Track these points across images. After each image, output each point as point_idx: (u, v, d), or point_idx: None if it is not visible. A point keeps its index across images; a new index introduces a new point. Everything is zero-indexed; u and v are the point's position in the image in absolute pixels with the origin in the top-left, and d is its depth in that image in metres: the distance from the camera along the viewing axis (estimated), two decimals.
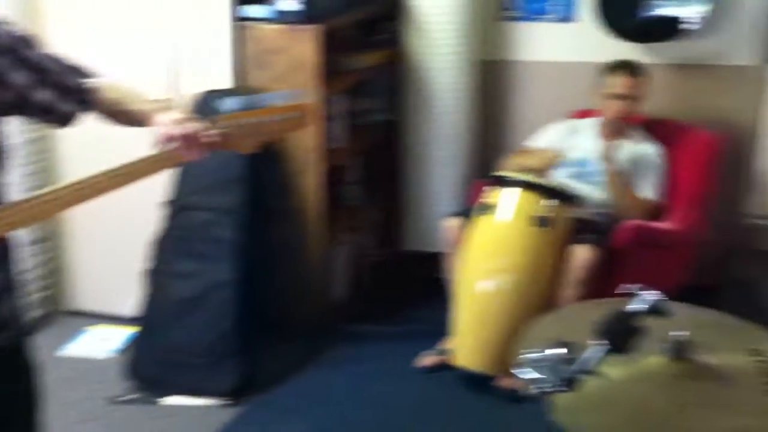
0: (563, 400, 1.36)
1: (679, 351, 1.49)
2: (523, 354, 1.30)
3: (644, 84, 3.26)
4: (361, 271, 3.79)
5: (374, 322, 3.53)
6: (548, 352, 1.26)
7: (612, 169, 3.19)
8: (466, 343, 2.99)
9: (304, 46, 3.10)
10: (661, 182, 3.28)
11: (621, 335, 1.29)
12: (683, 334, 1.49)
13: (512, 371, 1.29)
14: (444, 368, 3.11)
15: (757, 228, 4.17)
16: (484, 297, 2.93)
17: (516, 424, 2.79)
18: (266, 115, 1.72)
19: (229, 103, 1.72)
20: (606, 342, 1.28)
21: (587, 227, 3.05)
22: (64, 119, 1.71)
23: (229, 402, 3.00)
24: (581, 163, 3.30)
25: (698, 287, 3.26)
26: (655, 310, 1.29)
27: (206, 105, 3.00)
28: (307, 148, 3.22)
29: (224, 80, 3.21)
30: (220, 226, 3.06)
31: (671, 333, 1.51)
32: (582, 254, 2.92)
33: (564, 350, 1.27)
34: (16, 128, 3.22)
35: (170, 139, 1.63)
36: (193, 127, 1.64)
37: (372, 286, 3.83)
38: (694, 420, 1.36)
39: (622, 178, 3.21)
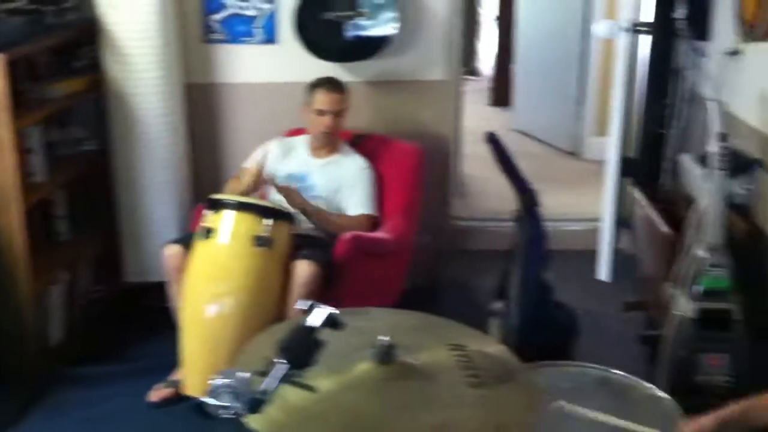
0: (273, 417, 1.38)
1: (385, 355, 1.56)
2: (211, 380, 1.30)
3: (346, 99, 3.41)
4: (81, 308, 3.58)
5: (100, 362, 3.35)
6: (234, 376, 1.28)
7: (303, 207, 3.26)
8: (195, 370, 2.92)
9: None
10: (372, 194, 3.44)
11: (300, 351, 1.33)
12: (386, 338, 1.57)
13: (203, 399, 1.29)
14: (176, 400, 3.02)
15: (464, 230, 4.52)
16: (209, 322, 2.88)
17: None
18: None
19: None
20: (285, 360, 1.32)
21: (307, 243, 3.12)
22: None
23: None
24: (296, 179, 3.37)
25: (415, 289, 3.48)
26: (330, 323, 1.35)
27: None
28: (4, 184, 2.99)
29: None
30: None
31: (376, 338, 1.58)
32: (303, 270, 2.97)
33: (247, 374, 1.29)
34: None
35: None
36: None
37: (95, 323, 3.62)
38: (402, 420, 1.43)
39: (318, 211, 3.30)
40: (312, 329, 1.35)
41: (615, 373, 2.10)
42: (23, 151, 3.10)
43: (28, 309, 3.14)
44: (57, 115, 3.45)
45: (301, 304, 1.37)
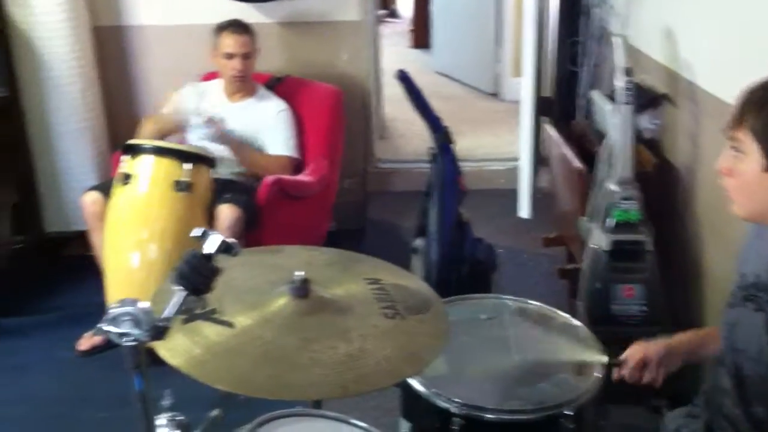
0: (188, 352, 1.38)
1: (300, 290, 1.57)
2: (111, 309, 1.30)
3: (254, 41, 3.36)
4: (1, 260, 3.49)
5: (25, 313, 3.31)
6: (133, 306, 1.28)
7: (225, 138, 3.23)
8: None
9: None
10: (292, 136, 3.41)
11: (196, 277, 1.34)
12: (301, 273, 1.58)
13: (99, 327, 1.29)
14: (106, 348, 3.02)
15: (387, 172, 4.54)
16: (131, 269, 2.86)
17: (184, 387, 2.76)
18: None
19: None
20: (183, 286, 1.33)
21: (228, 187, 3.09)
22: None
23: None
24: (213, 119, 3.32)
25: (341, 232, 3.50)
26: (224, 250, 1.37)
27: None
28: None
29: None
30: None
31: (294, 274, 1.59)
32: (226, 214, 2.96)
33: (147, 303, 1.29)
34: None
35: None
36: None
37: (17, 274, 3.54)
38: (316, 351, 1.45)
39: (239, 143, 3.27)
40: (207, 256, 1.35)
41: (532, 304, 2.15)
42: None
43: None
44: None
45: (195, 232, 1.36)
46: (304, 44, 3.88)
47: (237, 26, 3.32)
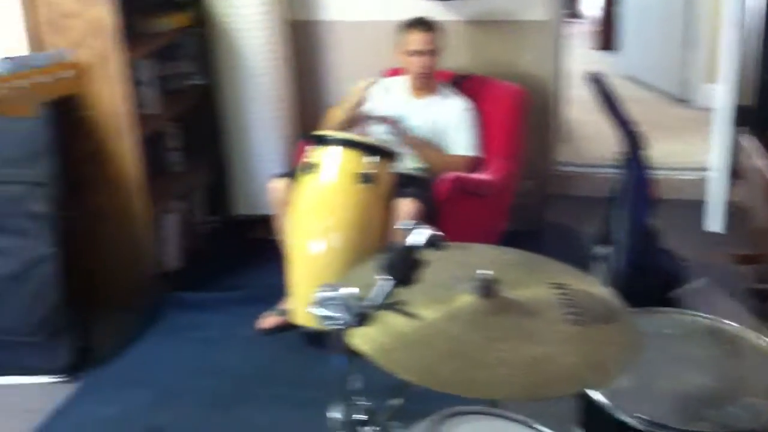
0: (378, 340, 1.40)
1: (486, 288, 1.56)
2: (318, 293, 1.33)
3: (439, 39, 3.36)
4: (192, 238, 3.71)
5: (211, 289, 3.48)
6: (340, 290, 1.30)
7: (409, 138, 3.26)
8: (303, 301, 2.99)
9: (100, 9, 2.98)
10: (474, 136, 3.40)
11: (403, 268, 1.35)
12: (489, 273, 1.56)
13: (308, 310, 1.33)
14: (285, 328, 3.12)
15: (568, 175, 4.44)
16: (316, 256, 2.95)
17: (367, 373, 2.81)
18: (39, 76, 1.63)
19: None
20: (389, 276, 1.34)
21: (409, 182, 3.13)
22: None
23: (66, 378, 2.95)
24: (396, 121, 3.36)
25: (518, 233, 3.45)
26: (431, 244, 1.37)
27: None
28: (116, 114, 3.10)
29: (18, 46, 3.00)
30: (33, 200, 2.96)
31: (478, 272, 1.58)
32: (406, 208, 2.99)
33: (355, 288, 1.32)
34: None
35: None
36: None
37: (205, 252, 3.75)
38: (502, 351, 1.43)
39: (422, 142, 3.29)
40: (414, 248, 1.36)
41: (722, 323, 2.03)
42: (135, 83, 3.19)
43: (144, 236, 3.30)
44: (165, 50, 3.53)
45: (404, 225, 1.38)
46: (488, 43, 3.85)
47: (424, 24, 3.34)
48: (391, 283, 1.34)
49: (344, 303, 1.29)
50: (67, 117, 2.97)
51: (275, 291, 3.16)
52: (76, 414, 2.79)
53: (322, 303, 1.31)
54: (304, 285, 2.98)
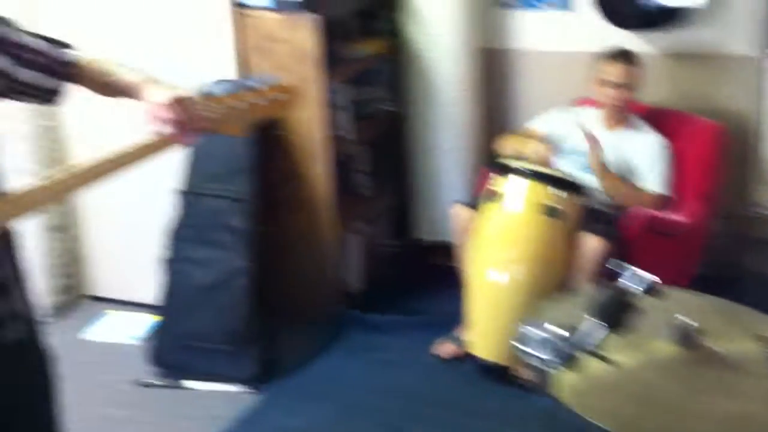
0: (572, 383, 1.38)
1: (687, 337, 1.50)
2: (522, 329, 1.31)
3: (639, 72, 3.27)
4: (375, 260, 3.80)
5: (389, 311, 3.54)
6: (547, 328, 1.28)
7: (597, 163, 3.19)
8: (480, 333, 3.00)
9: (305, 35, 3.12)
10: (667, 173, 3.28)
11: (615, 312, 1.31)
12: (691, 321, 1.50)
13: (511, 344, 1.31)
14: (460, 357, 3.13)
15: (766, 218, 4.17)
16: (497, 287, 2.94)
17: (530, 414, 2.80)
18: (253, 98, 1.73)
19: (215, 87, 1.75)
20: (600, 319, 1.30)
21: (595, 217, 3.06)
22: (50, 96, 1.72)
23: (252, 387, 3.07)
24: (583, 152, 3.30)
25: (711, 278, 3.27)
26: (648, 290, 1.32)
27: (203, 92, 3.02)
28: (313, 136, 3.24)
29: (226, 68, 3.21)
30: (232, 215, 3.12)
31: (679, 319, 1.52)
32: (593, 245, 2.92)
33: (562, 328, 1.29)
34: (23, 114, 3.28)
35: (162, 121, 1.61)
36: (185, 107, 1.62)
37: (386, 275, 3.82)
38: (703, 405, 1.38)
39: (612, 175, 3.21)
40: (628, 292, 1.33)
41: None
42: (332, 107, 3.32)
43: (330, 256, 3.41)
44: (361, 76, 3.65)
45: (613, 265, 1.34)
46: (686, 76, 3.71)
47: (625, 56, 3.26)
48: (604, 328, 1.30)
49: (552, 343, 1.28)
50: (267, 137, 3.14)
51: (453, 318, 3.18)
52: (262, 423, 2.90)
53: (527, 340, 1.30)
54: (483, 317, 2.98)
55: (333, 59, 3.25)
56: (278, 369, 3.15)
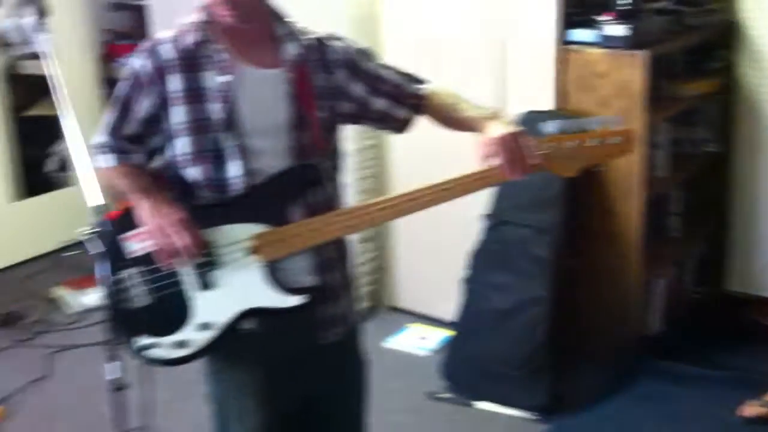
0: None
1: None
2: None
3: None
4: (677, 306, 3.62)
5: (688, 362, 3.35)
6: None
7: None
8: None
9: (630, 71, 3.06)
10: None
11: None
12: None
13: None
14: (765, 419, 2.91)
15: None
16: None
17: None
18: (589, 139, 1.70)
19: (552, 125, 1.72)
20: None
21: None
22: (399, 125, 1.84)
23: (540, 417, 3.07)
24: None
25: None
26: None
27: (526, 125, 3.05)
28: (629, 173, 3.17)
29: (546, 101, 3.24)
30: (537, 244, 3.13)
31: None
32: None
33: None
34: (351, 135, 3.53)
35: (497, 153, 1.63)
36: (520, 144, 1.64)
37: (687, 324, 3.62)
38: None
39: None
40: None
41: None
42: (651, 145, 3.23)
43: (634, 296, 3.30)
44: (683, 115, 3.51)
45: None
46: None
47: None
48: None
49: None
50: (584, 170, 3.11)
51: (760, 378, 2.94)
52: None
53: None
54: None
55: (656, 97, 3.16)
56: (567, 403, 3.11)
